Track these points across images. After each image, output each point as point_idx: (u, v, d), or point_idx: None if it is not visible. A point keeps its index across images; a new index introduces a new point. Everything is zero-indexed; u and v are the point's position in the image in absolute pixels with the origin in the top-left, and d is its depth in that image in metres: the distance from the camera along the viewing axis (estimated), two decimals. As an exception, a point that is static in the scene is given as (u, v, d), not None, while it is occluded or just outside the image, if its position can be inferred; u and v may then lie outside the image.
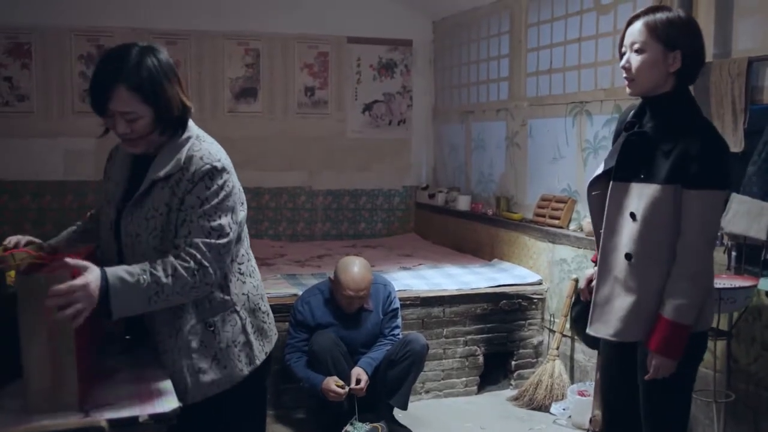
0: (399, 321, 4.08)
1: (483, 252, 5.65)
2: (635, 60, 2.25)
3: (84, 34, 5.94)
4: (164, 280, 1.88)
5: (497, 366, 4.79)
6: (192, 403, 2.02)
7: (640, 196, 2.25)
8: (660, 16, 2.23)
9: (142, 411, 1.76)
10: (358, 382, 3.77)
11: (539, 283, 4.82)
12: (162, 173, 1.98)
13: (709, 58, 3.56)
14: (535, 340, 4.79)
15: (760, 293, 3.28)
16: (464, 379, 4.65)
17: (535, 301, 4.78)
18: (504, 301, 4.70)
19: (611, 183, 2.33)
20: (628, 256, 2.27)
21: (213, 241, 1.96)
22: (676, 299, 2.20)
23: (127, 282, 1.83)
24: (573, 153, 4.73)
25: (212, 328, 2.07)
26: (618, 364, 2.43)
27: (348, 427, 3.76)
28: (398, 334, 4.04)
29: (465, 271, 5.03)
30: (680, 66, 2.23)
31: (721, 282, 3.28)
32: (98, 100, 1.93)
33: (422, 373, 4.20)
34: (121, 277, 1.83)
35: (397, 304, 4.07)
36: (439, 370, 4.58)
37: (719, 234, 3.48)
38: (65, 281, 1.73)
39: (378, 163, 6.81)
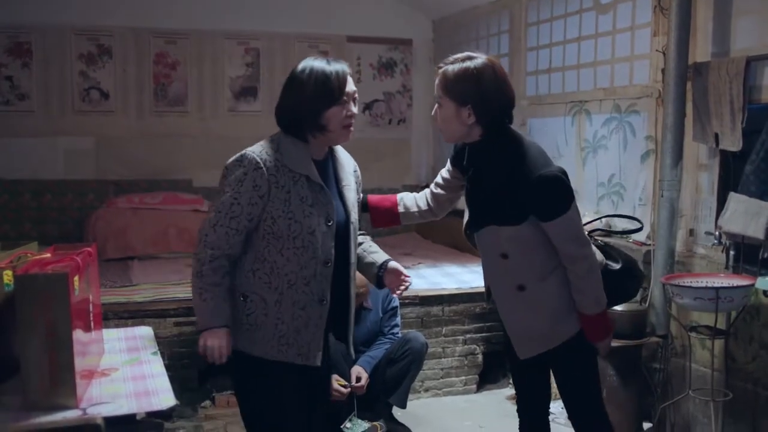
0: (398, 319, 4.09)
1: (482, 251, 5.63)
2: (438, 114, 2.39)
3: (84, 33, 5.94)
4: None
5: (496, 365, 4.79)
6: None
7: (507, 238, 2.34)
8: (451, 69, 2.34)
9: (140, 408, 1.78)
10: (358, 380, 3.78)
11: (538, 282, 4.81)
12: (352, 169, 2.60)
13: (707, 57, 3.59)
14: (534, 339, 4.79)
15: (758, 292, 3.28)
16: (463, 377, 4.65)
17: (534, 300, 4.78)
18: (503, 300, 4.70)
19: (474, 234, 2.46)
20: (521, 288, 2.38)
21: None
22: (585, 297, 2.37)
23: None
24: (572, 152, 4.74)
25: None
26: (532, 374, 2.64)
27: (347, 424, 3.77)
28: (397, 333, 4.04)
29: (464, 270, 5.04)
30: (476, 119, 2.31)
31: (719, 281, 3.29)
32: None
33: (421, 371, 4.20)
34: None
35: (396, 302, 4.07)
36: (438, 369, 4.59)
37: (717, 233, 3.50)
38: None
39: (378, 162, 6.79)
